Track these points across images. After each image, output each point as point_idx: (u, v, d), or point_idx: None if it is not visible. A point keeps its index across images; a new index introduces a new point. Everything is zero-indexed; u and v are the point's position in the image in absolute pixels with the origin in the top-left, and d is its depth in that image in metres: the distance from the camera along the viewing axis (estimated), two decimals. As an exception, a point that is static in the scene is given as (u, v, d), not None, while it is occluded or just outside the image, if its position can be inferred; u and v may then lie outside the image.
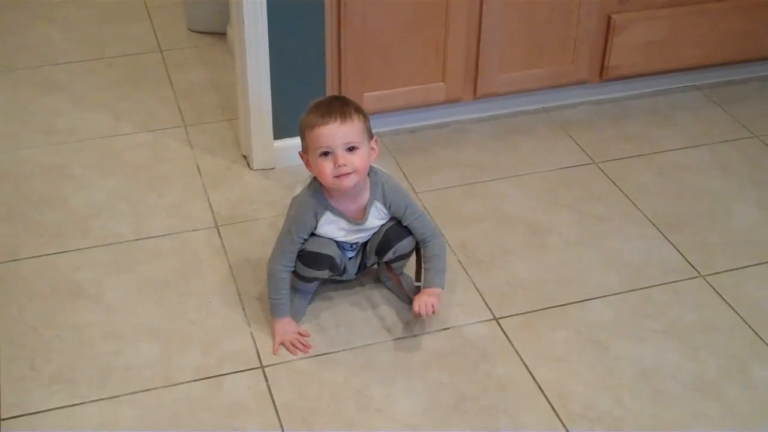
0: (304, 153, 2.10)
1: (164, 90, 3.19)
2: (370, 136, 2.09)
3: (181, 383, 2.06)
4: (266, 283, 2.19)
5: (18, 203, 2.62)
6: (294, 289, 2.24)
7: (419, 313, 2.13)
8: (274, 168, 2.79)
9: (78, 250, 2.45)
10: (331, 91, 2.75)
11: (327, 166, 2.02)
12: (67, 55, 3.43)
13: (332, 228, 2.15)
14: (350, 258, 2.25)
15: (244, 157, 2.81)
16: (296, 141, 2.73)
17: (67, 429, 1.95)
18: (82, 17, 3.69)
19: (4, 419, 1.97)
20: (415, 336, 2.19)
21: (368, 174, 2.12)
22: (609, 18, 2.91)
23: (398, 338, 2.19)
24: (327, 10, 2.61)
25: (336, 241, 2.18)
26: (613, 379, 2.09)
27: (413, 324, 2.22)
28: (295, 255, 2.15)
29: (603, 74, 3.01)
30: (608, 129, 2.99)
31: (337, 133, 2.01)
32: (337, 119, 2.01)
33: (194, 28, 3.59)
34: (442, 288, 2.17)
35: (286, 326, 2.18)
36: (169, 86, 3.22)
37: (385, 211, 2.16)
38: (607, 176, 2.76)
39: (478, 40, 2.81)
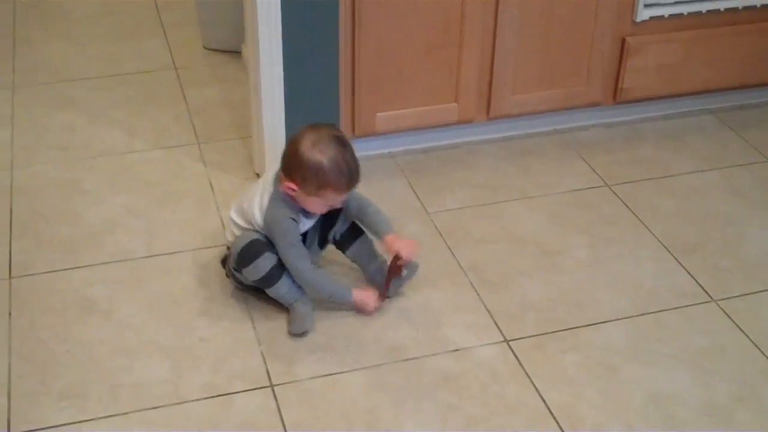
0: (302, 191, 2.17)
1: (178, 107, 3.21)
2: None
3: (191, 401, 2.06)
4: (313, 291, 2.27)
5: (32, 218, 2.64)
6: (288, 302, 2.26)
7: (408, 257, 2.26)
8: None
9: (90, 265, 2.46)
10: (345, 110, 2.76)
11: (321, 207, 2.22)
12: (82, 71, 3.45)
13: (302, 226, 2.26)
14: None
15: (257, 175, 2.82)
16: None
17: (76, 445, 1.96)
18: (98, 34, 3.72)
19: (13, 434, 1.98)
20: (425, 357, 2.19)
21: None
22: (623, 40, 2.91)
23: (409, 359, 2.18)
24: (341, 29, 2.63)
25: None
26: (623, 403, 2.08)
27: (423, 344, 2.22)
28: (302, 247, 2.24)
29: (616, 96, 3.02)
30: (621, 151, 2.99)
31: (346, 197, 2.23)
32: (353, 189, 2.22)
33: (209, 46, 3.61)
34: None
35: (365, 295, 2.29)
36: (184, 103, 3.23)
37: None
38: (620, 199, 2.76)
39: (492, 61, 2.82)
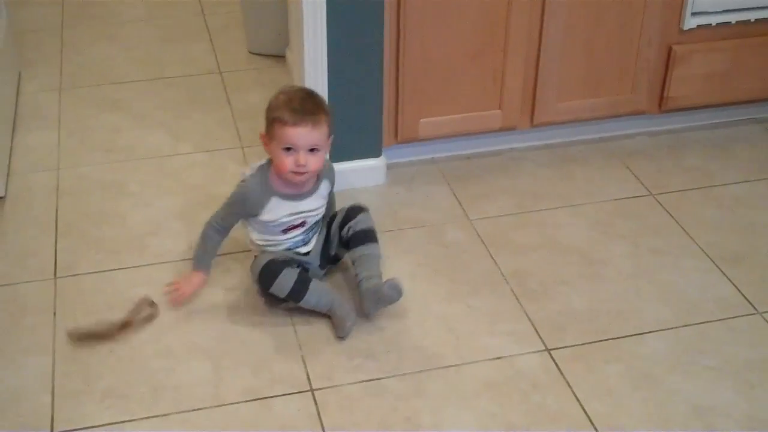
0: (266, 136, 2.20)
1: (223, 111, 3.23)
2: (329, 134, 2.22)
3: (231, 403, 2.07)
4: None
5: (77, 219, 2.67)
6: (324, 310, 2.28)
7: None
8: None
9: (134, 267, 2.48)
10: (388, 116, 2.76)
11: (288, 162, 2.16)
12: (128, 74, 3.48)
13: (278, 212, 2.25)
14: (301, 237, 2.32)
15: (300, 179, 2.83)
16: (353, 165, 2.78)
17: (117, 445, 1.98)
18: (143, 37, 3.76)
19: (56, 433, 2.00)
20: (465, 364, 2.18)
21: None
22: (669, 49, 2.88)
23: (448, 366, 2.17)
24: (386, 35, 2.63)
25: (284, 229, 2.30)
26: (665, 414, 2.06)
27: (463, 351, 2.21)
28: (228, 225, 2.30)
29: (662, 105, 2.99)
30: (666, 160, 2.96)
31: (305, 136, 2.15)
32: (308, 124, 2.14)
33: (254, 50, 3.63)
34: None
35: (193, 278, 2.31)
36: (228, 107, 3.25)
37: (325, 193, 2.33)
38: (664, 208, 2.73)
39: (537, 68, 2.81)
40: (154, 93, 3.35)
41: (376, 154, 2.82)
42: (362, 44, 2.61)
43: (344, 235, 2.35)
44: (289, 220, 2.27)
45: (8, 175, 2.86)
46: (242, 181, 2.28)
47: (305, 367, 2.17)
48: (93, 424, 2.02)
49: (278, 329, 2.27)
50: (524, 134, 2.98)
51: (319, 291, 2.25)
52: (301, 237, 2.32)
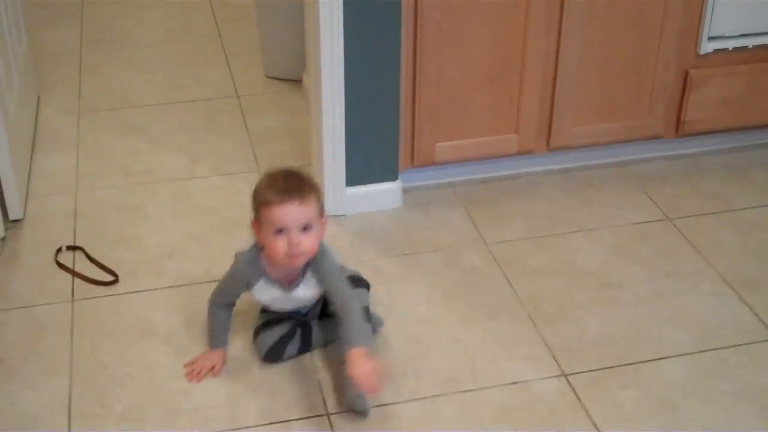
0: (256, 223, 2.09)
1: (240, 134, 3.25)
2: (322, 213, 2.11)
3: (248, 427, 2.07)
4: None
5: (94, 242, 2.68)
6: None
7: (361, 387, 1.99)
8: (345, 215, 2.80)
9: (151, 290, 2.49)
10: (404, 140, 2.77)
11: (280, 245, 2.03)
12: (146, 98, 3.51)
13: (266, 295, 2.18)
14: (305, 314, 2.29)
15: (316, 202, 2.83)
16: (369, 188, 2.79)
17: (134, 468, 1.98)
18: (161, 61, 3.78)
19: (73, 455, 2.00)
20: (482, 389, 2.17)
21: None
22: (686, 73, 2.88)
23: (465, 391, 2.17)
24: (403, 59, 2.64)
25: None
26: (684, 441, 2.04)
27: (480, 376, 2.20)
28: (229, 301, 2.23)
29: (679, 129, 2.98)
30: (683, 185, 2.95)
31: (293, 214, 2.02)
32: (295, 200, 2.02)
33: (271, 74, 3.65)
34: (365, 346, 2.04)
35: (212, 355, 2.24)
36: (245, 131, 3.27)
37: (316, 284, 2.15)
38: (681, 233, 2.72)
39: (553, 92, 2.81)
40: (172, 116, 3.37)
41: (393, 177, 2.82)
42: (379, 68, 2.62)
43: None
44: (284, 307, 2.24)
45: (27, 197, 2.88)
46: (235, 255, 2.22)
47: (321, 391, 2.17)
48: (109, 447, 2.02)
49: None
50: (541, 158, 2.98)
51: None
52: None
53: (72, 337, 2.33)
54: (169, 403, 2.13)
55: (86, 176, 3.01)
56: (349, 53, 2.58)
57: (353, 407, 2.09)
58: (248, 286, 2.17)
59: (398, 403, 2.13)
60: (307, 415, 2.10)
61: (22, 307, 2.43)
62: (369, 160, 2.77)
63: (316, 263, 2.13)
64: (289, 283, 2.16)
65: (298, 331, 2.25)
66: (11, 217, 2.74)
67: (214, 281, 2.49)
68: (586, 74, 2.81)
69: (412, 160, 2.83)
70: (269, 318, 2.27)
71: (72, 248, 2.64)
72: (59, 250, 2.62)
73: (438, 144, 2.80)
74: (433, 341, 2.31)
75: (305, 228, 2.04)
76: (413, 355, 2.27)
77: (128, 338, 2.32)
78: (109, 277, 2.52)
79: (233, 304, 2.25)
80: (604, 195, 2.90)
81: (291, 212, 2.02)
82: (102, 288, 2.50)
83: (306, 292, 2.17)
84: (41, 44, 3.87)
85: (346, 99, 2.64)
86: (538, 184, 2.96)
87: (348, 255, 2.58)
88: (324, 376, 2.21)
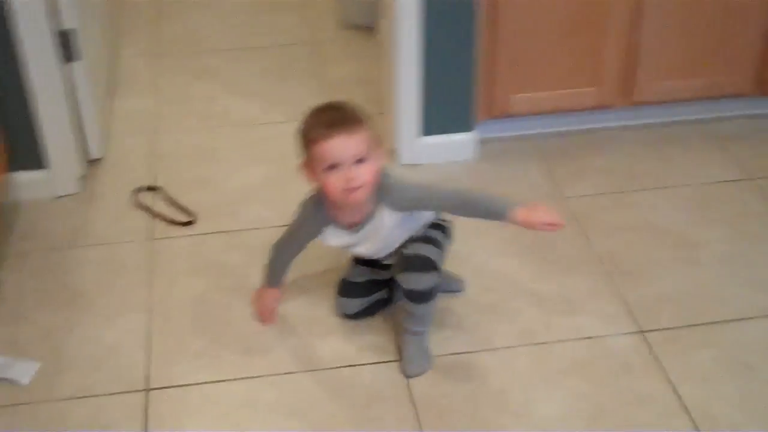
0: (306, 166, 1.99)
1: (314, 81, 3.24)
2: (377, 143, 1.98)
3: (321, 369, 2.09)
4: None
5: (172, 183, 2.71)
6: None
7: (533, 225, 1.94)
8: (420, 164, 2.79)
9: (227, 231, 2.51)
10: (481, 90, 2.74)
11: (335, 181, 1.91)
12: (221, 42, 3.52)
13: (337, 240, 2.09)
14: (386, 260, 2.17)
15: (392, 151, 2.82)
16: (444, 139, 2.77)
17: (210, 403, 2.01)
18: (236, 6, 3.79)
19: (151, 389, 2.04)
20: (556, 342, 2.16)
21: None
22: (773, 30, 2.81)
23: (539, 343, 2.16)
24: (482, 8, 2.60)
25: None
26: (762, 403, 2.01)
27: (554, 329, 2.19)
28: (298, 250, 2.17)
29: (763, 88, 2.91)
30: (765, 145, 2.88)
31: (343, 146, 1.89)
32: (342, 132, 1.90)
33: (345, 21, 3.63)
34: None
35: (264, 295, 2.23)
36: (319, 78, 3.27)
37: (393, 216, 2.02)
38: (762, 193, 2.66)
39: (635, 46, 2.75)
40: (248, 62, 3.38)
41: (468, 128, 2.80)
42: (456, 16, 2.59)
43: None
44: (361, 250, 2.12)
45: (107, 138, 2.91)
46: (301, 204, 2.12)
47: (395, 337, 2.17)
48: (187, 382, 2.05)
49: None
50: (619, 113, 2.93)
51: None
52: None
53: (150, 274, 2.36)
54: (244, 343, 2.15)
55: (165, 119, 3.03)
56: (427, 2, 2.54)
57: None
58: (316, 235, 2.10)
59: (471, 352, 2.13)
60: (380, 360, 2.11)
61: (102, 244, 2.47)
62: (445, 110, 2.74)
63: (383, 192, 2.00)
64: (359, 222, 2.04)
65: (378, 295, 2.23)
66: (91, 157, 2.78)
67: (286, 225, 2.51)
68: (670, 29, 2.74)
69: (488, 111, 2.80)
70: (351, 278, 2.24)
71: (151, 189, 2.67)
72: (138, 189, 2.66)
73: (515, 95, 2.77)
74: (508, 293, 2.30)
75: (359, 160, 1.91)
76: (487, 306, 2.26)
77: (204, 278, 2.35)
78: (187, 218, 2.55)
79: (294, 253, 2.19)
80: (683, 152, 2.85)
81: (341, 145, 1.89)
82: (179, 228, 2.53)
83: (379, 230, 2.04)
84: (119, -13, 3.90)
85: (422, 48, 2.61)
86: (616, 139, 2.91)
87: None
88: (398, 323, 2.21)
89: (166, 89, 3.20)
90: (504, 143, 2.89)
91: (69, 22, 2.59)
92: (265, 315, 2.22)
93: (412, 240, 2.07)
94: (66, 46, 2.59)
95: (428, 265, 2.03)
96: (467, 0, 2.58)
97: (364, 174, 1.92)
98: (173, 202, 2.61)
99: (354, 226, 2.05)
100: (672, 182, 2.71)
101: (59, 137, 2.61)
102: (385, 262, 2.17)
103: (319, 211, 2.05)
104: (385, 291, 2.24)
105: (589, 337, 2.17)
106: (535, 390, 2.04)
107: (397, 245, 2.09)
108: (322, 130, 1.91)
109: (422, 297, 2.06)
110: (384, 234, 2.05)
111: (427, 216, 2.11)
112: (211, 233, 2.51)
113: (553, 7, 2.65)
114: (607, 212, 2.58)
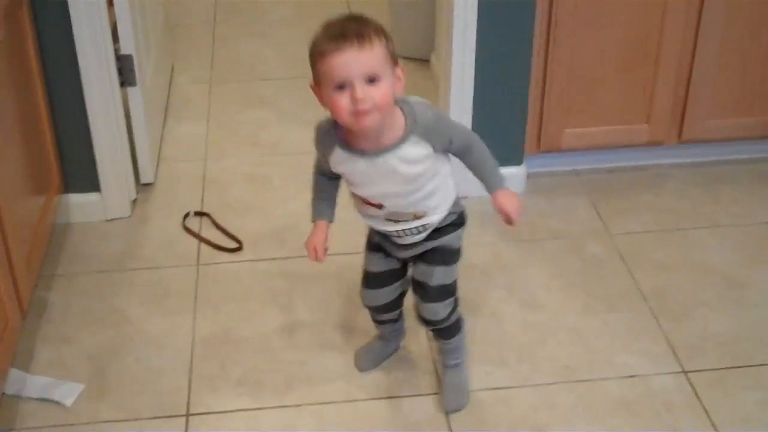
0: (316, 86, 1.74)
1: (365, 111, 3.26)
2: (395, 62, 1.72)
3: (362, 400, 2.09)
4: None
5: (221, 209, 2.74)
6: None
7: (505, 212, 1.88)
8: (467, 197, 2.78)
9: (273, 259, 2.53)
10: (532, 123, 2.74)
11: (343, 102, 1.66)
12: (275, 71, 3.57)
13: (345, 167, 1.83)
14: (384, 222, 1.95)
15: (439, 183, 2.83)
16: (493, 171, 2.76)
17: (249, 430, 2.02)
18: (290, 36, 3.84)
19: (191, 414, 2.06)
20: (598, 380, 2.14)
21: (399, 106, 1.77)
22: (830, 70, 2.77)
23: (581, 380, 2.14)
24: (536, 42, 2.61)
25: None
26: (808, 449, 1.97)
27: (597, 367, 2.17)
28: (323, 176, 1.97)
29: (818, 128, 2.87)
30: (820, 186, 2.85)
31: (353, 61, 1.64)
32: (353, 44, 1.64)
33: (399, 53, 3.64)
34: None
35: (315, 231, 2.01)
36: (371, 108, 3.28)
37: (424, 147, 1.80)
38: (816, 235, 2.62)
39: (688, 83, 2.73)
40: (299, 90, 3.41)
41: (518, 162, 2.79)
42: (510, 50, 2.60)
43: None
44: (377, 199, 1.89)
45: (158, 162, 2.96)
46: (316, 124, 1.89)
47: (435, 369, 2.17)
48: (227, 409, 2.07)
49: (408, 333, 2.27)
50: (670, 150, 2.91)
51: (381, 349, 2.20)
52: (384, 222, 1.95)
53: (195, 299, 2.39)
54: (286, 371, 2.17)
55: (215, 145, 3.08)
56: (481, 35, 2.56)
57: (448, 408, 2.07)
58: (328, 156, 1.85)
59: (513, 387, 2.12)
60: (418, 393, 2.11)
61: (150, 268, 2.51)
62: (495, 143, 2.70)
63: (411, 123, 1.77)
64: (373, 151, 1.78)
65: (400, 282, 2.07)
66: (143, 181, 2.83)
67: (335, 254, 2.52)
68: (724, 67, 2.72)
69: (538, 145, 2.80)
70: (370, 268, 2.09)
71: (199, 214, 2.71)
72: (187, 215, 2.69)
73: (566, 130, 2.76)
74: (551, 328, 2.29)
75: (372, 79, 1.66)
76: (530, 341, 2.25)
77: (249, 305, 2.37)
78: (234, 244, 2.58)
79: (331, 175, 1.94)
80: (734, 192, 2.82)
81: (350, 59, 1.64)
82: (226, 254, 2.55)
83: (397, 169, 1.79)
84: (176, 15, 3.97)
85: (475, 80, 2.62)
86: (666, 177, 2.88)
87: (467, 237, 2.56)
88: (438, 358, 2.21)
89: (217, 115, 3.25)
90: (553, 178, 2.88)
91: (126, 48, 2.65)
92: (312, 250, 1.99)
93: (426, 261, 1.97)
94: (122, 71, 2.64)
95: (444, 294, 1.97)
96: (521, 36, 2.59)
97: (377, 95, 1.66)
98: (220, 228, 2.65)
99: (377, 149, 1.78)
100: (721, 222, 2.68)
101: (113, 161, 2.66)
102: (400, 243, 1.98)
103: (329, 131, 1.82)
104: (405, 282, 2.07)
105: (633, 376, 2.15)
106: (577, 428, 2.02)
107: (418, 208, 1.89)
108: (330, 43, 1.66)
109: (448, 332, 2.05)
110: (405, 176, 1.81)
111: (451, 189, 1.96)
112: (258, 260, 2.53)
113: (607, 42, 2.64)
114: (653, 250, 2.56)
